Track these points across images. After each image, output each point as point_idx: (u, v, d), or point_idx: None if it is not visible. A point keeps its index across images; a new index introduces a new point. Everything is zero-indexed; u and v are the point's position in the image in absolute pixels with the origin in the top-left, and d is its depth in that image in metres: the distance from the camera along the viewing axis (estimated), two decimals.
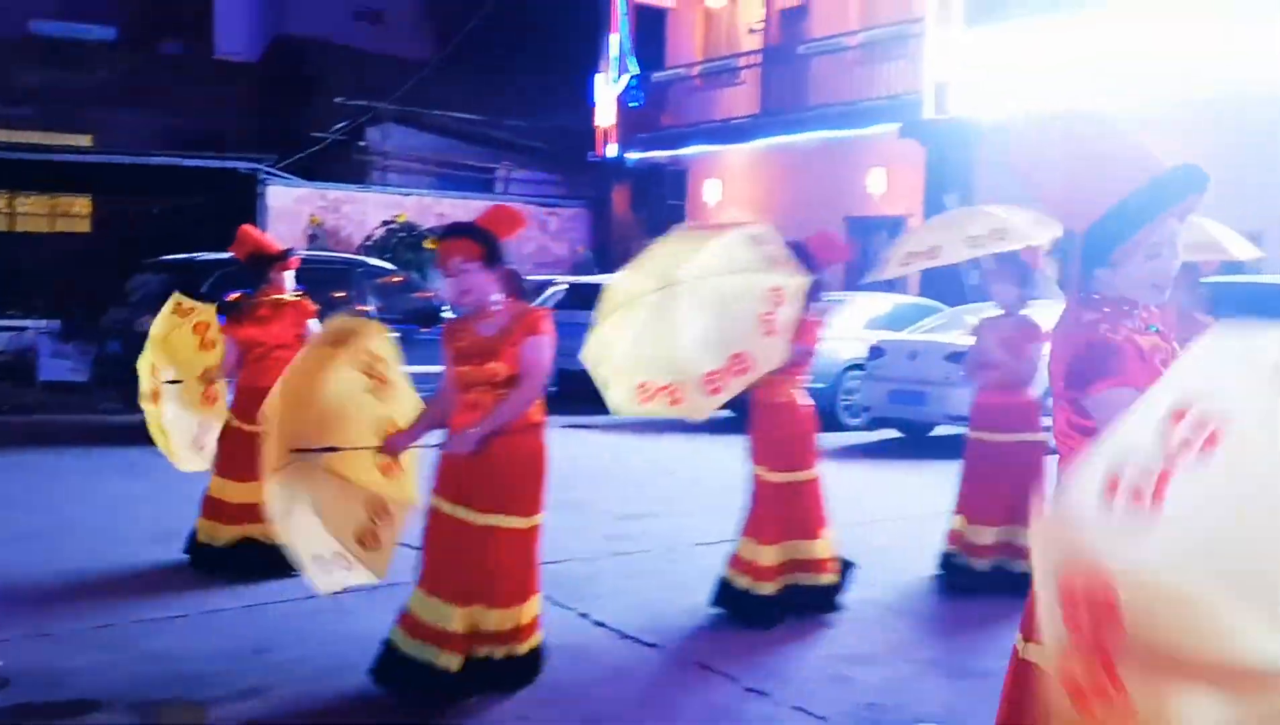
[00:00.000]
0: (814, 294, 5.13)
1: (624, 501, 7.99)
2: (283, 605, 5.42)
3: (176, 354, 6.19)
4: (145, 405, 6.16)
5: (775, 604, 5.15)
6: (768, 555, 5.15)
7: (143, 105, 22.34)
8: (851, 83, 16.43)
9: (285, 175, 18.55)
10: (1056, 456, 2.37)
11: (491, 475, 4.01)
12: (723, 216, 4.98)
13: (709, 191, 19.17)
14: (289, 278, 6.11)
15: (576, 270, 18.45)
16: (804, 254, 5.06)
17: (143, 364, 6.17)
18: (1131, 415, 1.58)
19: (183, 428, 6.23)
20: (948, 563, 5.93)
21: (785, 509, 5.20)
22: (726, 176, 19.11)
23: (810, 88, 16.97)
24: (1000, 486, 5.69)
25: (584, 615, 5.33)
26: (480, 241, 4.06)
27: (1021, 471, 5.64)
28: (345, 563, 4.25)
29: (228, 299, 6.19)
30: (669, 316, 4.57)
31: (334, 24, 24.97)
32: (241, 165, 18.32)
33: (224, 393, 6.24)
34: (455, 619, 4.00)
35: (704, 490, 8.33)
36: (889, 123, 15.53)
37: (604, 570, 6.25)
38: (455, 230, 4.18)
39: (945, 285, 13.74)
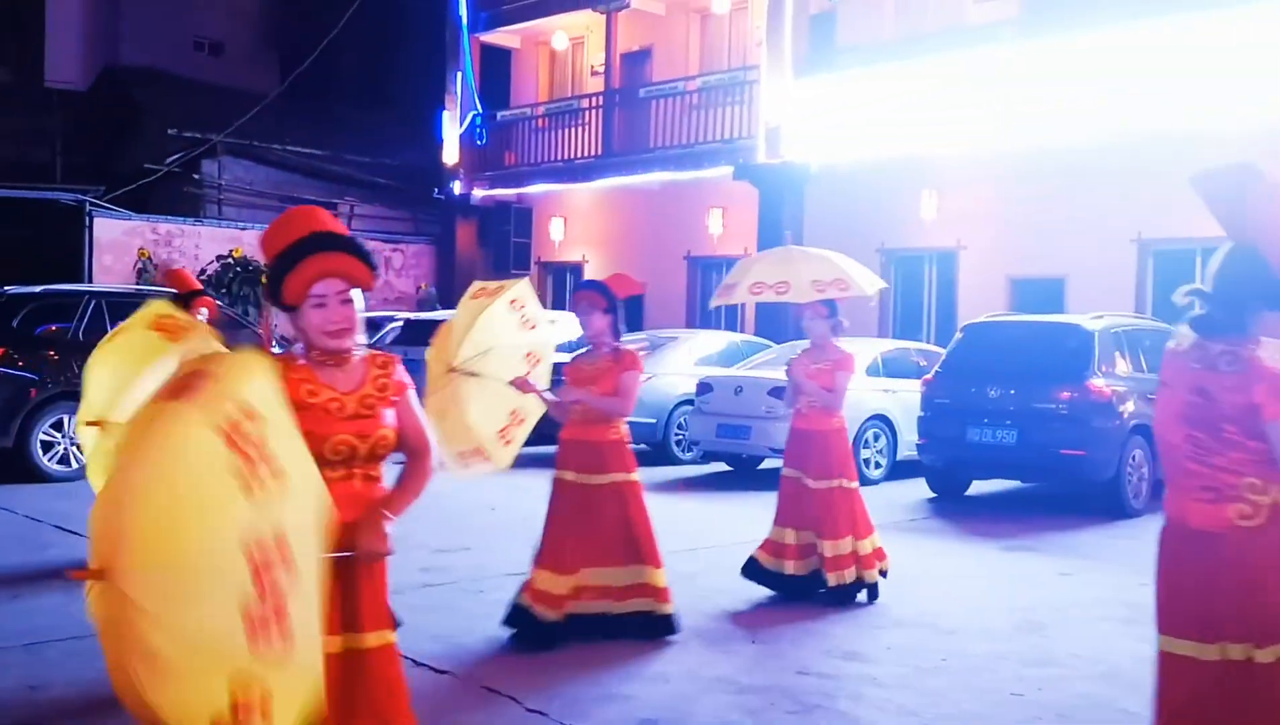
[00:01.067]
0: (615, 329, 5.42)
1: (443, 536, 7.99)
2: (62, 643, 5.27)
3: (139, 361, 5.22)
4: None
5: (561, 629, 5.28)
6: (560, 584, 5.29)
7: None
8: (690, 126, 16.90)
9: (114, 208, 17.98)
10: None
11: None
12: (494, 283, 5.72)
13: (554, 229, 19.38)
14: (202, 315, 6.19)
15: (420, 306, 18.36)
16: (605, 292, 5.54)
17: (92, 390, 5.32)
18: None
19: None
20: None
21: (583, 538, 5.37)
22: (570, 215, 19.35)
23: (651, 130, 17.37)
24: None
25: None
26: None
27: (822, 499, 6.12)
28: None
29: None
30: (457, 400, 5.16)
31: (173, 54, 24.39)
32: (66, 196, 17.69)
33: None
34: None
35: (520, 524, 8.40)
36: (725, 165, 16.02)
37: (411, 602, 6.24)
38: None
39: (777, 323, 14.21)
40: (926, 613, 6.16)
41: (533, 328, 5.48)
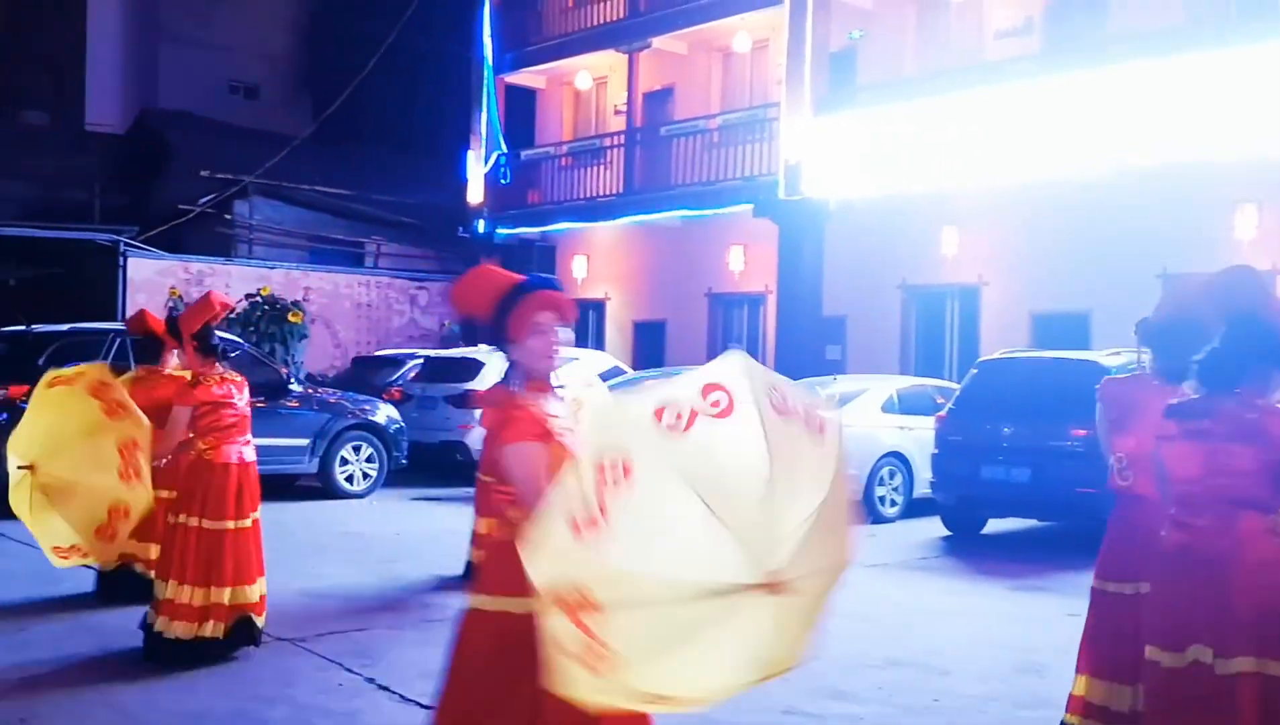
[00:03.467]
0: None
1: (448, 571, 8.01)
2: (59, 673, 5.35)
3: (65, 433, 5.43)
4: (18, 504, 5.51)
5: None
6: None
7: (2, 174, 21.90)
8: (711, 164, 16.99)
9: (147, 247, 18.32)
10: None
11: None
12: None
13: (576, 267, 19.50)
14: (175, 355, 6.48)
15: (444, 344, 18.51)
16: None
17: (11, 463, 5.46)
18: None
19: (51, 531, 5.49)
20: None
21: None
22: (593, 253, 19.47)
23: (672, 167, 17.49)
24: None
25: (370, 680, 5.37)
26: None
27: None
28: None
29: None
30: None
31: (208, 98, 24.91)
32: (101, 237, 18.06)
33: (146, 467, 5.40)
34: None
35: None
36: (745, 203, 16.08)
37: (405, 638, 6.28)
38: None
39: (801, 357, 14.17)
40: (923, 651, 6.09)
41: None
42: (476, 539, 6.65)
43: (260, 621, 5.73)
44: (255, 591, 5.69)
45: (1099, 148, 12.73)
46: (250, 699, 5.07)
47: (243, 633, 5.64)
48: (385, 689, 5.24)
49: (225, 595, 5.54)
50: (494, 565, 3.07)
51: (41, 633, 6.18)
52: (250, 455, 5.81)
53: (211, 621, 5.50)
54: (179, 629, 5.46)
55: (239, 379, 5.85)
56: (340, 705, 5.01)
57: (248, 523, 5.69)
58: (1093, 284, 13.38)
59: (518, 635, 2.82)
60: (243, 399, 5.79)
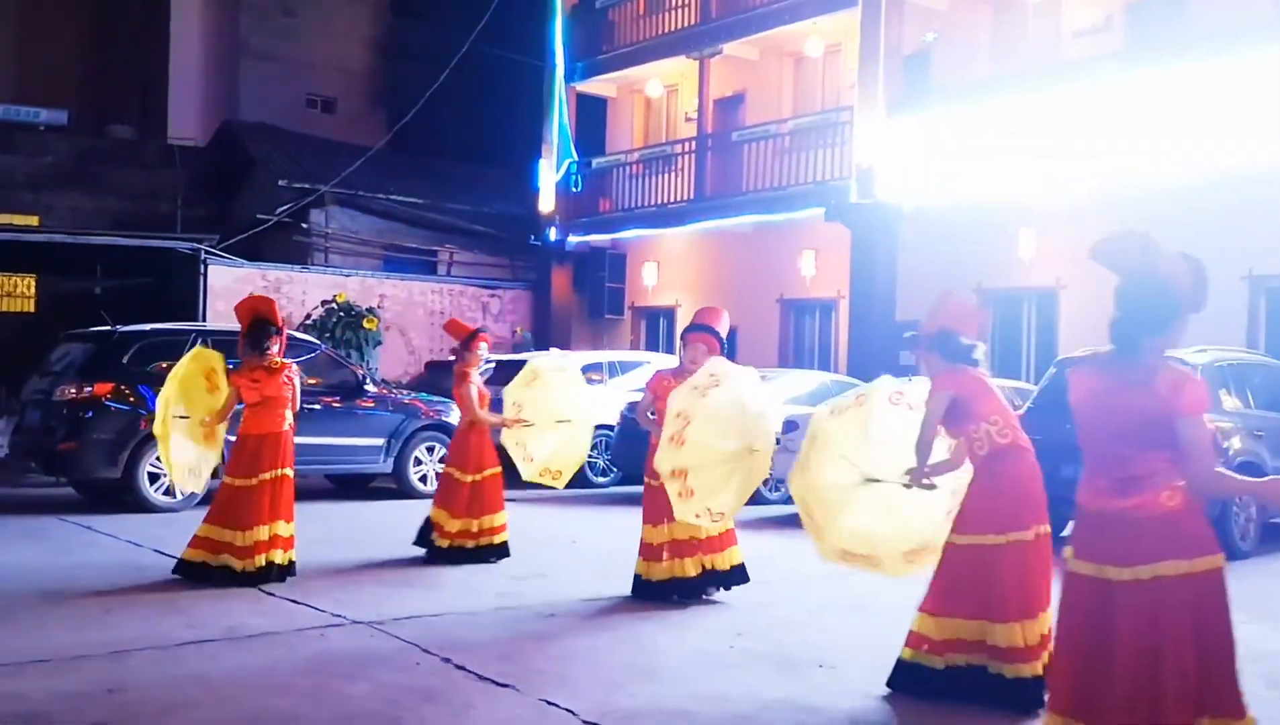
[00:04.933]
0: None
1: (521, 566, 8.04)
2: (145, 652, 5.45)
3: (189, 394, 7.41)
4: (157, 433, 7.40)
5: None
6: None
7: (91, 187, 22.55)
8: (782, 169, 16.92)
9: (227, 256, 18.72)
10: None
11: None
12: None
13: (647, 274, 19.53)
14: (277, 347, 7.44)
15: (516, 350, 18.62)
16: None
17: (160, 399, 7.43)
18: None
19: (183, 457, 7.47)
20: None
21: None
22: (664, 259, 19.49)
23: (744, 173, 17.44)
24: None
25: (447, 659, 5.40)
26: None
27: None
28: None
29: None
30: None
31: (287, 111, 25.43)
32: (183, 245, 18.49)
33: (222, 433, 7.59)
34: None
35: (598, 557, 8.46)
36: (817, 207, 15.96)
37: (481, 623, 6.31)
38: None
39: (868, 362, 14.02)
40: None
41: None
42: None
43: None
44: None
45: (1183, 147, 12.43)
46: (331, 676, 5.12)
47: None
48: (462, 669, 5.26)
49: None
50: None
51: (129, 613, 6.31)
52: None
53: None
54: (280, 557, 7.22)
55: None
56: (419, 683, 5.04)
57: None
58: None
59: None
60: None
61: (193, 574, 7.13)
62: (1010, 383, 12.63)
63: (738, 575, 6.86)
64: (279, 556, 7.17)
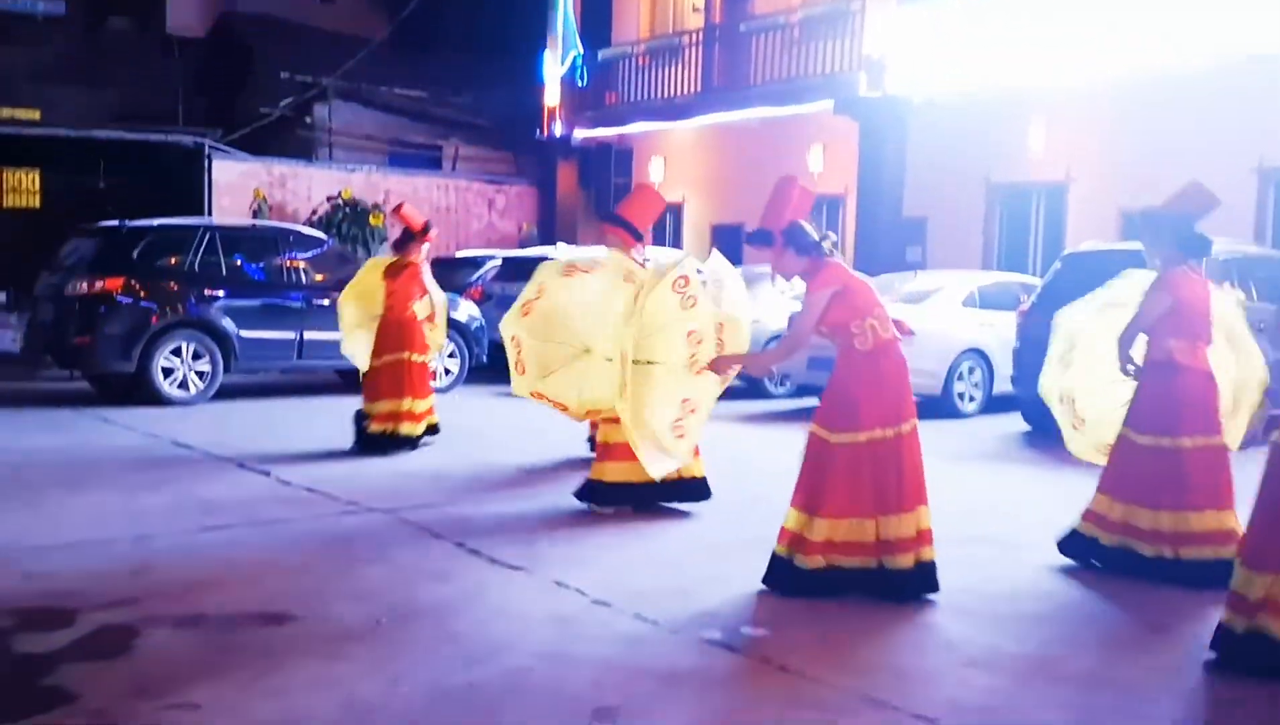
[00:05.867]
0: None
1: (532, 456, 8.20)
2: (168, 537, 5.64)
3: (366, 290, 8.61)
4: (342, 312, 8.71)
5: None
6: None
7: (91, 81, 22.28)
8: (790, 61, 16.66)
9: (231, 150, 18.61)
10: None
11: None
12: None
13: (654, 169, 19.38)
14: (425, 250, 8.65)
15: (522, 246, 18.63)
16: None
17: (345, 294, 8.73)
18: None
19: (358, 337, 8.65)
20: None
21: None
22: (670, 154, 19.33)
23: (751, 65, 17.18)
24: None
25: (460, 544, 5.60)
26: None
27: None
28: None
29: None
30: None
31: (286, 2, 24.95)
32: (187, 140, 18.39)
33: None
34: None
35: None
36: (826, 100, 15.76)
37: (491, 510, 6.50)
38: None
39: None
40: (997, 533, 6.14)
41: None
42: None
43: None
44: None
45: (1194, 35, 12.22)
46: (352, 560, 5.30)
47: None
48: (475, 553, 5.44)
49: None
50: None
51: (151, 501, 6.49)
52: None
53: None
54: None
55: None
56: (434, 565, 5.23)
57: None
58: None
59: None
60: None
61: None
62: (1017, 277, 12.66)
63: (696, 489, 6.44)
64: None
